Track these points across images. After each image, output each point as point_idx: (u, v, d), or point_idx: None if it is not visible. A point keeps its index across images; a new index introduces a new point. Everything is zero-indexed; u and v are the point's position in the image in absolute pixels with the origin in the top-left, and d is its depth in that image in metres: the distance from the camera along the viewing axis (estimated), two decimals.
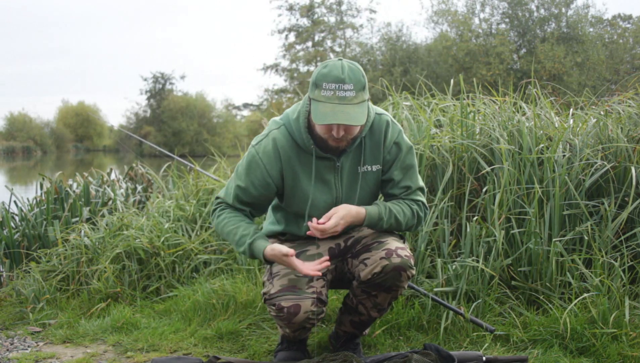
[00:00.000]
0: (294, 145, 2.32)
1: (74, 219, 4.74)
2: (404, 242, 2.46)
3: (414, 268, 2.39)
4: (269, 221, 2.61)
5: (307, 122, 2.28)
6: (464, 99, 3.71)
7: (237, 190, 2.37)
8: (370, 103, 2.36)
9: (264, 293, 2.36)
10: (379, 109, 2.41)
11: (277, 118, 2.40)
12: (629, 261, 3.00)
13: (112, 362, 2.80)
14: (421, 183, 2.47)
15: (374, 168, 2.39)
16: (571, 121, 3.72)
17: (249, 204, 2.40)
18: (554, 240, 3.02)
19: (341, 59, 2.17)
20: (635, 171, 3.19)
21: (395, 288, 2.36)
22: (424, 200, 2.45)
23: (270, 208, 2.58)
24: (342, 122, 2.10)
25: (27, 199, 5.25)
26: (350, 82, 2.11)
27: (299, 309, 2.27)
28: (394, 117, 3.89)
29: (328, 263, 2.25)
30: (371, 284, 2.35)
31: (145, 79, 45.59)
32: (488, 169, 3.34)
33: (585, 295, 2.80)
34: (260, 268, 3.51)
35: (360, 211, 2.31)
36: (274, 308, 2.31)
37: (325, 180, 2.36)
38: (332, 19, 34.06)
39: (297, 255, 2.37)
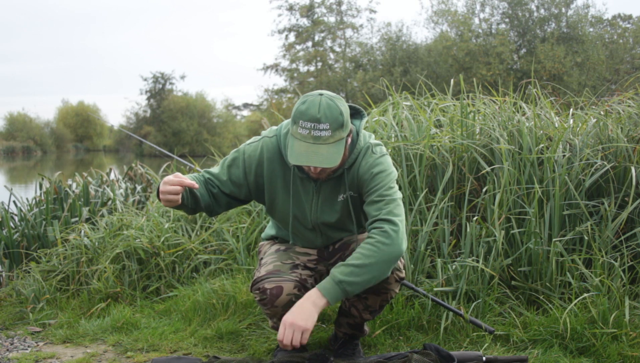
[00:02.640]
0: (281, 159, 2.34)
1: (73, 220, 4.74)
2: None
3: (402, 271, 2.38)
4: (269, 225, 2.71)
5: None
6: (464, 99, 3.71)
7: (213, 175, 2.39)
8: (364, 132, 2.36)
9: (252, 282, 2.41)
10: (368, 138, 2.37)
11: (274, 127, 2.43)
12: (629, 261, 3.00)
13: (112, 362, 2.80)
14: (395, 195, 2.27)
15: (350, 193, 2.36)
16: (571, 121, 3.72)
17: (214, 192, 2.38)
18: (554, 240, 3.02)
19: (322, 94, 2.14)
20: (635, 171, 3.19)
21: (384, 290, 2.37)
22: (393, 218, 2.19)
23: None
24: (314, 165, 2.09)
25: (27, 199, 5.25)
26: (327, 122, 2.08)
27: (281, 291, 2.30)
28: (394, 117, 3.89)
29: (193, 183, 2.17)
30: None
31: (145, 79, 45.59)
32: (488, 169, 3.34)
33: (585, 295, 2.80)
34: None
35: (317, 301, 2.09)
36: (258, 292, 2.33)
37: (302, 200, 2.37)
38: (332, 19, 34.09)
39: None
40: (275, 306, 2.32)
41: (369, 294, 2.38)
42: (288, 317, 2.07)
